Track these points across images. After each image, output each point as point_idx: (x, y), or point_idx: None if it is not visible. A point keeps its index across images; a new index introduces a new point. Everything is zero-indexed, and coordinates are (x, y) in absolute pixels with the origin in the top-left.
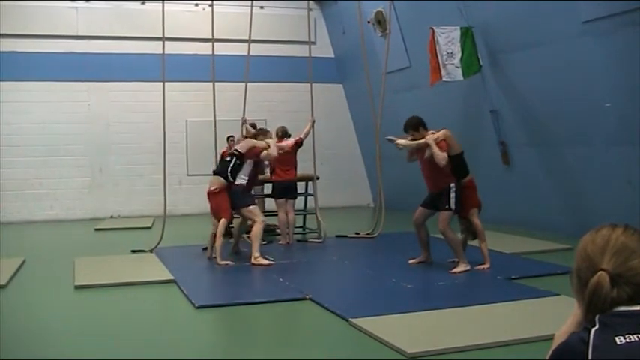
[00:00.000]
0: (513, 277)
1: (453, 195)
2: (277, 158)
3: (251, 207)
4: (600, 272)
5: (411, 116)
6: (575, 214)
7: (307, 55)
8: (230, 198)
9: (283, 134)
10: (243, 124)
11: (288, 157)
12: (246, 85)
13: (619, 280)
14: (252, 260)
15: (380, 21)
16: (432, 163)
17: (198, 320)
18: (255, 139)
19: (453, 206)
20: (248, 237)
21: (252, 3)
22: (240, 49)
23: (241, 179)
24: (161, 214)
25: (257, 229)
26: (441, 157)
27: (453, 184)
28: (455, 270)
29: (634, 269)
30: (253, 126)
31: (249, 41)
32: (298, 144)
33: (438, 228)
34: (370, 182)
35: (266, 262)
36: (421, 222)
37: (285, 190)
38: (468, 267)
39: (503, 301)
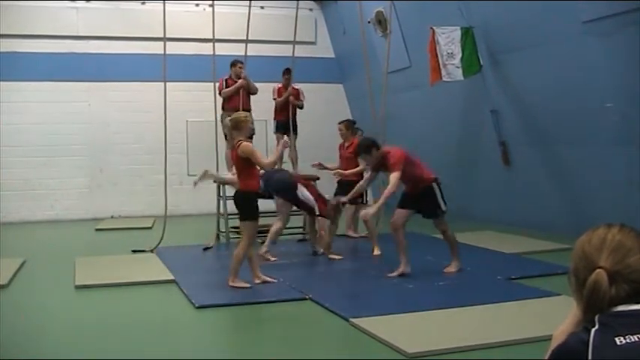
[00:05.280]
0: (513, 277)
1: (439, 196)
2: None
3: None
4: (598, 270)
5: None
6: (575, 214)
7: (308, 55)
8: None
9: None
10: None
11: None
12: (246, 85)
13: (617, 277)
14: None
15: (380, 21)
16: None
17: (198, 320)
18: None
19: (444, 208)
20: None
21: (250, 3)
22: (240, 49)
23: None
24: (162, 214)
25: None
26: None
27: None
28: (449, 269)
29: (632, 267)
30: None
31: (247, 41)
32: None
33: (438, 228)
34: None
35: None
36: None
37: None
38: (460, 266)
39: (503, 301)
